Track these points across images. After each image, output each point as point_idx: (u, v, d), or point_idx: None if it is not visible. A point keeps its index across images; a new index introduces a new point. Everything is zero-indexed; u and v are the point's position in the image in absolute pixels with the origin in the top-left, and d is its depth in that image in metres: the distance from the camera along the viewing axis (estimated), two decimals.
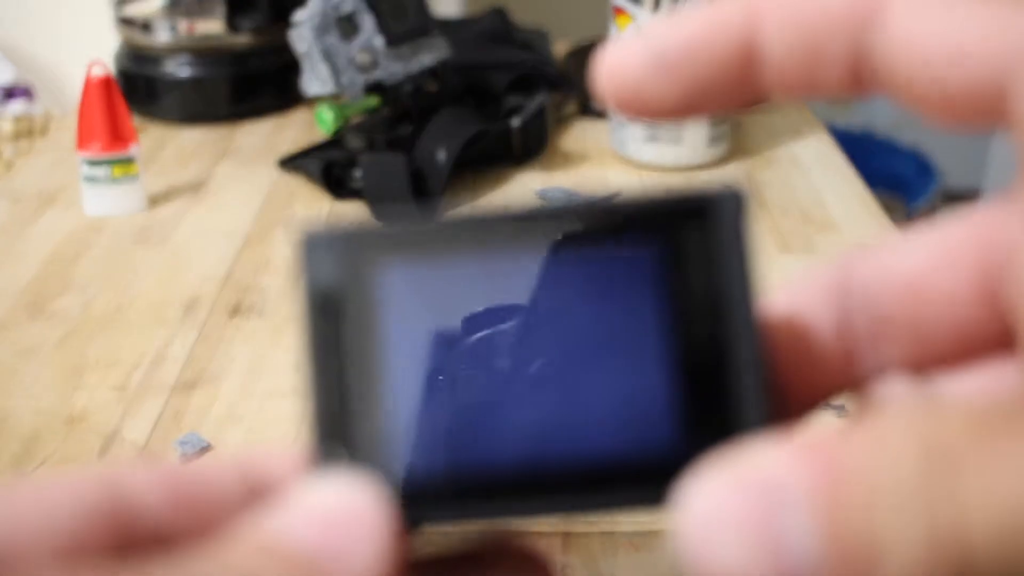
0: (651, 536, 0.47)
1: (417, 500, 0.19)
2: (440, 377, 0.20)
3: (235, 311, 0.65)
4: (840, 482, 0.15)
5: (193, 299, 0.67)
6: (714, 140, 0.82)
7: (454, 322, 0.20)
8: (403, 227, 0.20)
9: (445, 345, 0.20)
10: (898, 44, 0.19)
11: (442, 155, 0.76)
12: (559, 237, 0.20)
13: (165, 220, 0.78)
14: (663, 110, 0.21)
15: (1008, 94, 0.18)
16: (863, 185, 0.80)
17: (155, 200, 0.80)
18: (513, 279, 0.20)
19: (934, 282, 0.20)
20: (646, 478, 0.19)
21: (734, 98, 0.20)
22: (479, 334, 0.20)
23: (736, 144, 0.86)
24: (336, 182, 0.79)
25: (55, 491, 0.19)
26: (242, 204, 0.80)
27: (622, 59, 0.20)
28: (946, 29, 0.18)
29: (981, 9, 0.18)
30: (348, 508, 0.19)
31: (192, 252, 0.73)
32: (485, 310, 0.20)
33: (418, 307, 0.20)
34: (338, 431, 0.20)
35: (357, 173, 0.78)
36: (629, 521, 0.47)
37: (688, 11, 0.20)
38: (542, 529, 0.48)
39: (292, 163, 0.83)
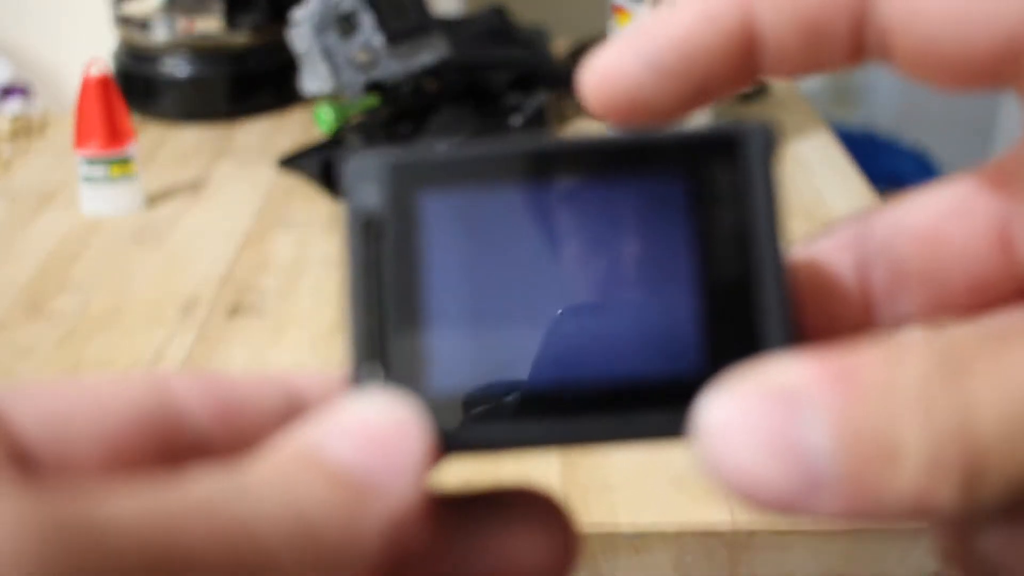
0: (651, 537, 0.46)
1: (448, 424, 0.19)
2: (475, 302, 0.20)
3: (234, 311, 0.65)
4: (856, 387, 0.16)
5: (192, 299, 0.66)
6: None
7: (490, 248, 0.20)
8: (444, 156, 0.21)
9: (481, 271, 0.20)
10: (901, 9, 0.18)
11: None
12: (594, 168, 0.20)
13: (163, 219, 0.77)
14: (662, 113, 0.20)
15: (1021, 53, 0.18)
16: (866, 184, 0.79)
17: (153, 199, 0.80)
18: (548, 208, 0.20)
19: (949, 231, 0.20)
20: (673, 402, 0.19)
21: (734, 86, 0.20)
22: (513, 260, 0.20)
23: None
24: (336, 181, 0.79)
25: (108, 392, 0.19)
26: (241, 203, 0.79)
27: (613, 67, 0.20)
28: None
29: None
30: (389, 426, 0.18)
31: (191, 252, 0.73)
32: (519, 237, 0.20)
33: (457, 233, 0.20)
34: (376, 352, 0.20)
35: None
36: (629, 523, 0.46)
37: (676, 5, 0.20)
38: None
39: (291, 162, 0.83)
